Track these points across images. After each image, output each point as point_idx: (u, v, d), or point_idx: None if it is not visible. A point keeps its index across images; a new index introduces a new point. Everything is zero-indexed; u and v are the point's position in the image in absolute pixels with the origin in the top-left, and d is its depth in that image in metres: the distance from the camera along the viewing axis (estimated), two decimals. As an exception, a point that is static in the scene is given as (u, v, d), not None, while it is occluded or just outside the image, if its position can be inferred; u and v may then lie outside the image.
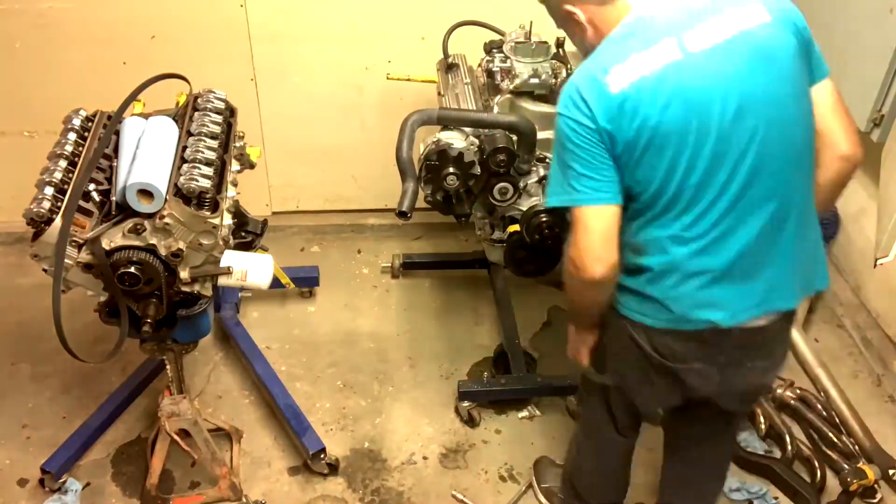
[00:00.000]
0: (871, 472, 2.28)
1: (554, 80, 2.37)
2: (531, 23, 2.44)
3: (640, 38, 1.46)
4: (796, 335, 2.86)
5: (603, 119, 1.44)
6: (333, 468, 2.39)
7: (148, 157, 1.87)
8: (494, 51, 2.48)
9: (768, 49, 1.47)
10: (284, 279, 2.47)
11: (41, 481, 2.31)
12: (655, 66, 1.43)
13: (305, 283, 3.02)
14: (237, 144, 2.21)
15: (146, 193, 1.77)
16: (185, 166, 1.87)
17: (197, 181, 1.83)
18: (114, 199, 1.83)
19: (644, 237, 1.56)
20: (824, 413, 2.56)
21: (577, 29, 1.60)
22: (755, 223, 1.51)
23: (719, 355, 1.61)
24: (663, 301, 1.57)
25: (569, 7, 1.58)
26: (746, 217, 1.50)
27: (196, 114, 2.07)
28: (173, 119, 2.06)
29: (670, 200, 1.49)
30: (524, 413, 2.61)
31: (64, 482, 2.31)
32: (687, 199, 1.49)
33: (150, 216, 1.80)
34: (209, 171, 1.89)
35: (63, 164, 1.88)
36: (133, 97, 2.07)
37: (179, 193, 1.81)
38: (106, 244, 1.78)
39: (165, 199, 1.78)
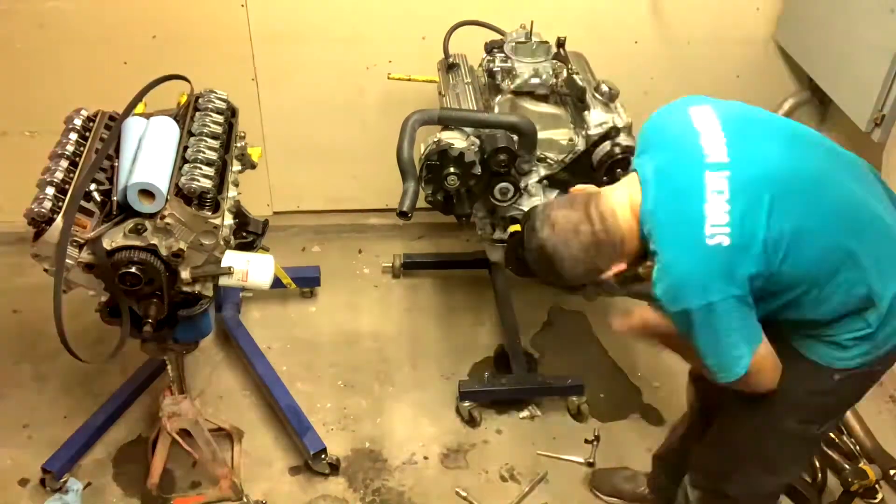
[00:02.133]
0: (872, 472, 2.27)
1: (554, 80, 2.37)
2: (532, 23, 2.44)
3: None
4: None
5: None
6: (334, 468, 2.40)
7: (149, 157, 1.87)
8: (495, 51, 2.48)
9: None
10: (286, 279, 2.47)
11: (42, 481, 2.31)
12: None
13: (306, 283, 3.02)
14: (238, 144, 2.21)
15: (147, 194, 1.77)
16: (186, 166, 1.87)
17: (198, 181, 1.83)
18: (115, 198, 1.83)
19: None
20: (825, 413, 2.56)
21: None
22: None
23: None
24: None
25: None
26: None
27: (197, 114, 2.07)
28: (174, 119, 2.06)
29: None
30: (525, 413, 2.60)
31: (65, 482, 2.31)
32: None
33: (151, 216, 1.80)
34: (210, 171, 1.89)
35: (64, 163, 1.88)
36: (137, 100, 2.07)
37: (180, 193, 1.82)
38: (107, 244, 1.78)
39: (167, 199, 1.78)
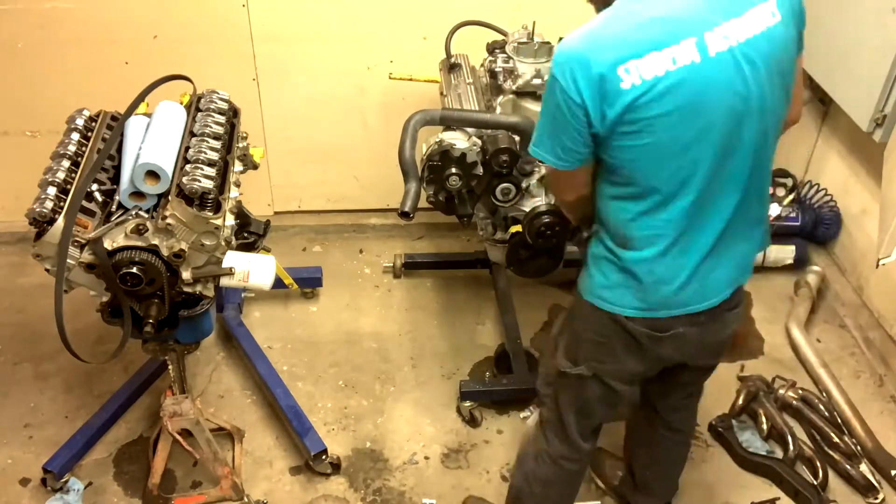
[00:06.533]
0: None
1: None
2: (534, 23, 2.44)
3: (660, 29, 1.39)
4: (798, 335, 2.86)
5: (599, 109, 1.41)
6: (335, 468, 2.40)
7: (156, 139, 1.88)
8: (497, 51, 2.48)
9: (778, 56, 1.46)
10: (287, 279, 2.47)
11: (43, 481, 2.31)
12: (672, 68, 1.37)
13: (308, 283, 3.02)
14: (241, 145, 2.21)
15: (153, 175, 1.78)
16: (187, 166, 1.88)
17: (199, 182, 1.83)
18: (118, 198, 1.84)
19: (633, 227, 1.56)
20: (826, 413, 2.56)
21: None
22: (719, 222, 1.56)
23: (700, 316, 1.64)
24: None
25: None
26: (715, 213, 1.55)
27: (199, 114, 2.07)
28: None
29: (652, 193, 1.50)
30: (526, 413, 2.60)
31: (66, 482, 2.31)
32: (668, 194, 1.50)
33: (152, 217, 1.80)
34: (212, 171, 1.89)
35: (66, 163, 1.89)
36: (140, 100, 2.07)
37: (182, 194, 1.82)
38: (108, 244, 1.78)
39: (172, 180, 1.80)
